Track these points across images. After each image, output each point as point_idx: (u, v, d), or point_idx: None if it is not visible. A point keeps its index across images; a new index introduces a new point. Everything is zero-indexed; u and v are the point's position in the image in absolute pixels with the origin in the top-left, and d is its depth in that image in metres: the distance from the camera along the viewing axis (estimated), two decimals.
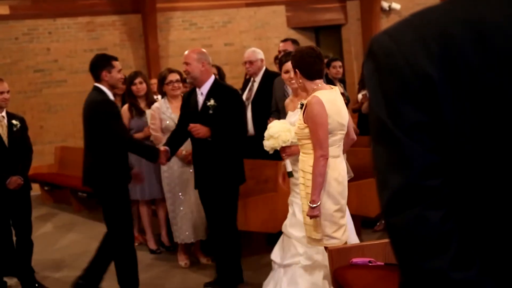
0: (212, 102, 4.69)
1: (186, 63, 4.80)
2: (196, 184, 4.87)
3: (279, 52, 6.46)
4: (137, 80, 6.05)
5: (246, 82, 6.47)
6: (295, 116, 4.29)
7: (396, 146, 1.12)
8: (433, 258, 1.09)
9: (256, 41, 11.64)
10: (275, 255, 4.39)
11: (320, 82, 3.81)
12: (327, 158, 3.69)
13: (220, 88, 4.82)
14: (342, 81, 7.54)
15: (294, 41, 6.41)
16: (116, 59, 4.83)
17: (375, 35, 1.16)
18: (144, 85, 6.07)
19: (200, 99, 4.79)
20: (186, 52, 4.94)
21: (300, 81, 3.83)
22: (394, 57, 1.12)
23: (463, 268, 1.09)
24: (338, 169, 3.76)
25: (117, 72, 4.73)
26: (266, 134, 4.31)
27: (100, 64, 4.71)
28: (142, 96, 6.09)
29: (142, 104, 6.07)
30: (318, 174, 3.65)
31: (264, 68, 6.32)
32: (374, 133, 1.17)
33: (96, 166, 4.65)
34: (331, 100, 3.73)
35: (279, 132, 4.19)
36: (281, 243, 4.39)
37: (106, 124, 4.55)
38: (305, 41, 12.06)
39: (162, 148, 4.83)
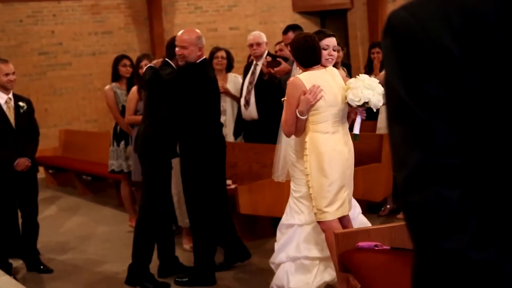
0: None
1: (183, 47, 4.51)
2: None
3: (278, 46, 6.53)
4: (143, 63, 6.02)
5: (248, 66, 6.42)
6: None
7: (415, 123, 1.09)
8: (451, 238, 1.07)
9: (262, 25, 11.58)
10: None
11: (315, 68, 3.93)
12: (286, 135, 4.00)
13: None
14: (347, 66, 7.49)
15: (295, 29, 6.31)
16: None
17: (393, 11, 1.13)
18: None
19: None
20: (180, 33, 4.58)
21: (298, 68, 4.01)
22: (414, 32, 1.09)
23: (482, 248, 1.07)
24: (330, 144, 3.87)
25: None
26: (366, 82, 3.89)
27: None
28: None
29: None
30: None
31: (267, 51, 6.28)
32: (392, 111, 1.14)
33: None
34: (315, 79, 3.89)
35: (382, 90, 3.85)
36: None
37: None
38: (311, 26, 11.99)
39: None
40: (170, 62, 4.73)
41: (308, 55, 3.91)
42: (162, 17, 11.19)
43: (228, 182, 5.79)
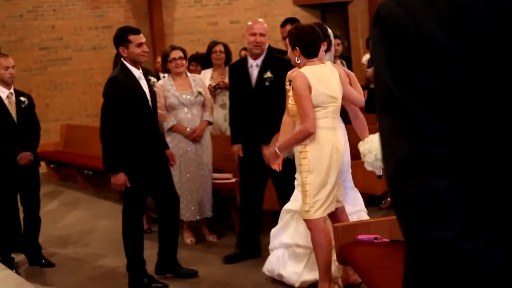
0: (268, 74, 4.72)
1: (262, 35, 4.80)
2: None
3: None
4: None
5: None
6: None
7: (403, 114, 1.10)
8: (439, 227, 1.07)
9: (262, 18, 11.55)
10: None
11: (315, 61, 3.91)
12: (312, 133, 3.79)
13: (274, 59, 4.91)
14: (347, 58, 7.49)
15: (293, 22, 6.27)
16: (135, 32, 4.59)
17: (382, 2, 1.13)
18: None
19: (255, 71, 4.80)
20: (256, 23, 4.92)
21: (298, 58, 3.92)
22: (402, 22, 1.09)
23: (470, 238, 1.08)
24: (331, 140, 3.87)
25: (136, 47, 4.50)
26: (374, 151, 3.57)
27: (116, 39, 4.58)
28: None
29: None
30: (294, 141, 3.88)
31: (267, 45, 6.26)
32: (381, 102, 1.14)
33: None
34: (317, 74, 3.86)
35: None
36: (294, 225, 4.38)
37: None
38: (311, 19, 11.95)
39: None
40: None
41: (313, 44, 3.87)
42: (162, 11, 11.17)
43: (229, 175, 5.82)
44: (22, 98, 5.20)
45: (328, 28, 4.36)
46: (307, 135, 3.80)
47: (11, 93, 5.16)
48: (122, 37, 4.54)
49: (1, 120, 5.07)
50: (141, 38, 4.59)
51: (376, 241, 3.35)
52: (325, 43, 4.10)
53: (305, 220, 3.93)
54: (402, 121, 1.10)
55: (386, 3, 1.12)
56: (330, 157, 3.85)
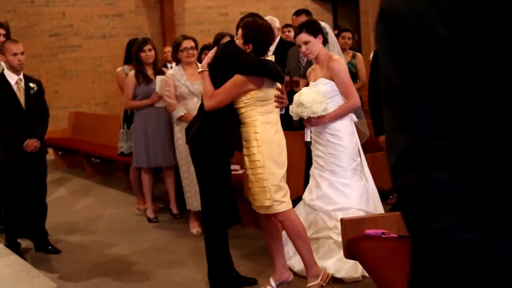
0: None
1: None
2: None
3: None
4: (147, 47, 5.99)
5: None
6: (315, 86, 4.30)
7: (404, 106, 1.11)
8: (439, 219, 1.09)
9: (273, 10, 11.53)
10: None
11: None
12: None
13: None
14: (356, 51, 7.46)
15: (308, 13, 6.28)
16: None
17: None
18: (153, 52, 6.02)
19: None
20: None
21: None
22: (404, 16, 1.10)
23: (470, 230, 1.08)
24: (279, 134, 3.94)
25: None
26: (296, 100, 4.26)
27: None
28: (150, 64, 6.04)
29: (149, 72, 6.03)
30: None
31: (279, 37, 6.25)
32: (384, 95, 1.16)
33: None
34: None
35: (312, 102, 4.17)
36: (304, 214, 4.41)
37: None
38: (322, 12, 11.93)
39: None
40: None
41: (266, 45, 3.94)
42: (173, 1, 11.15)
43: (236, 167, 5.81)
44: (31, 84, 5.19)
45: (321, 22, 4.44)
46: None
47: (20, 79, 5.15)
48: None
49: (10, 106, 5.07)
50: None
51: (383, 236, 3.34)
52: (320, 36, 4.25)
53: (274, 214, 3.94)
54: (403, 114, 1.12)
55: None
56: (280, 151, 3.91)
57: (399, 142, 1.12)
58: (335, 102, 4.28)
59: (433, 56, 1.07)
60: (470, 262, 1.08)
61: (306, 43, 4.25)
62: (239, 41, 3.94)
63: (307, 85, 4.55)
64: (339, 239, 4.16)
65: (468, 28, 1.06)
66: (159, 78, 5.88)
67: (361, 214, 4.14)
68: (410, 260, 1.26)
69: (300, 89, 5.15)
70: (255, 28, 3.87)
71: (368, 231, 3.38)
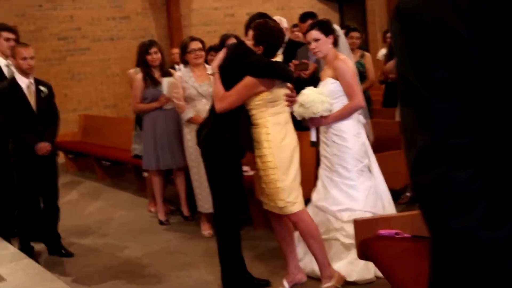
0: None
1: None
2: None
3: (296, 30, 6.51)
4: (152, 50, 5.98)
5: None
6: (324, 86, 4.29)
7: (423, 105, 1.10)
8: (460, 217, 1.08)
9: (279, 11, 11.53)
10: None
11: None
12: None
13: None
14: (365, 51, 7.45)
15: (313, 17, 6.25)
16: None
17: None
18: (159, 55, 6.00)
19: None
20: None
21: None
22: (421, 14, 1.09)
23: (492, 228, 1.07)
24: (290, 134, 3.96)
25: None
26: (298, 100, 4.25)
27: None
28: (157, 66, 6.04)
29: (157, 75, 6.04)
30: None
31: (287, 37, 6.24)
32: (402, 94, 1.16)
33: None
34: None
35: (312, 102, 4.16)
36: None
37: None
38: (329, 12, 11.92)
39: None
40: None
41: (276, 47, 3.98)
42: (179, 2, 11.18)
43: (246, 168, 5.81)
44: (42, 88, 5.22)
45: (335, 25, 4.45)
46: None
47: (31, 83, 5.18)
48: None
49: (21, 109, 5.10)
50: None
51: (397, 236, 3.33)
52: (332, 37, 4.26)
53: (288, 215, 3.95)
54: (422, 112, 1.11)
55: None
56: (292, 151, 3.93)
57: (418, 141, 1.11)
58: (341, 102, 4.28)
59: (451, 54, 1.07)
60: (492, 261, 1.07)
61: (316, 40, 4.25)
62: (249, 42, 3.95)
63: (316, 69, 4.59)
64: (346, 240, 4.16)
65: (487, 28, 1.06)
66: (166, 80, 5.89)
67: (367, 216, 4.10)
68: (429, 259, 1.25)
69: (310, 73, 5.18)
70: (266, 30, 3.89)
71: (382, 232, 3.37)
